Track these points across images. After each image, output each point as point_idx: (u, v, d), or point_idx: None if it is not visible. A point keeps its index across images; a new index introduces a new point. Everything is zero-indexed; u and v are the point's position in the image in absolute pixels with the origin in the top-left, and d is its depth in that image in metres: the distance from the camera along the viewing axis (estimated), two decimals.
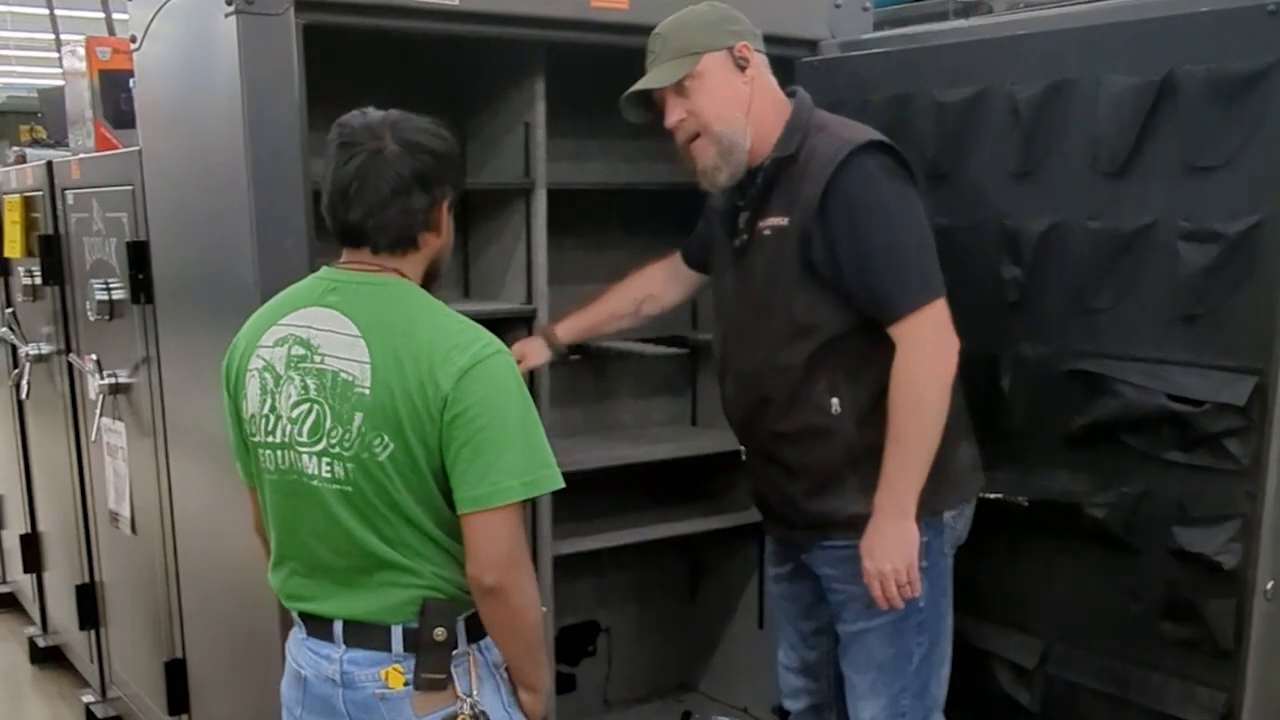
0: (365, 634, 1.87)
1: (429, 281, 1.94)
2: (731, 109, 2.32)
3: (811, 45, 2.97)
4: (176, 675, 3.21)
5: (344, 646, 1.89)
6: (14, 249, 4.07)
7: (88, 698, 3.97)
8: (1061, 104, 2.40)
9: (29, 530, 4.57)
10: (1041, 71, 2.42)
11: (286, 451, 1.87)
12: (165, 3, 2.72)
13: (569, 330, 2.79)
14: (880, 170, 2.25)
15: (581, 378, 3.58)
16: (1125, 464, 2.38)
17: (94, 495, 3.74)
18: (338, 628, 1.89)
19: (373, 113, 1.87)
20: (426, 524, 1.83)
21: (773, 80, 2.41)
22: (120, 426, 3.38)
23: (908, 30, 2.81)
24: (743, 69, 2.33)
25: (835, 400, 2.32)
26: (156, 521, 3.19)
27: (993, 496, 2.54)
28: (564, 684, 3.69)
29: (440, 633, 1.85)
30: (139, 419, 3.24)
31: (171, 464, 3.08)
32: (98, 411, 3.42)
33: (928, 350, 2.24)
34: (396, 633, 1.86)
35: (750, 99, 2.33)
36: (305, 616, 1.94)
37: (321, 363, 1.83)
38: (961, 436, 2.41)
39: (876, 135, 2.29)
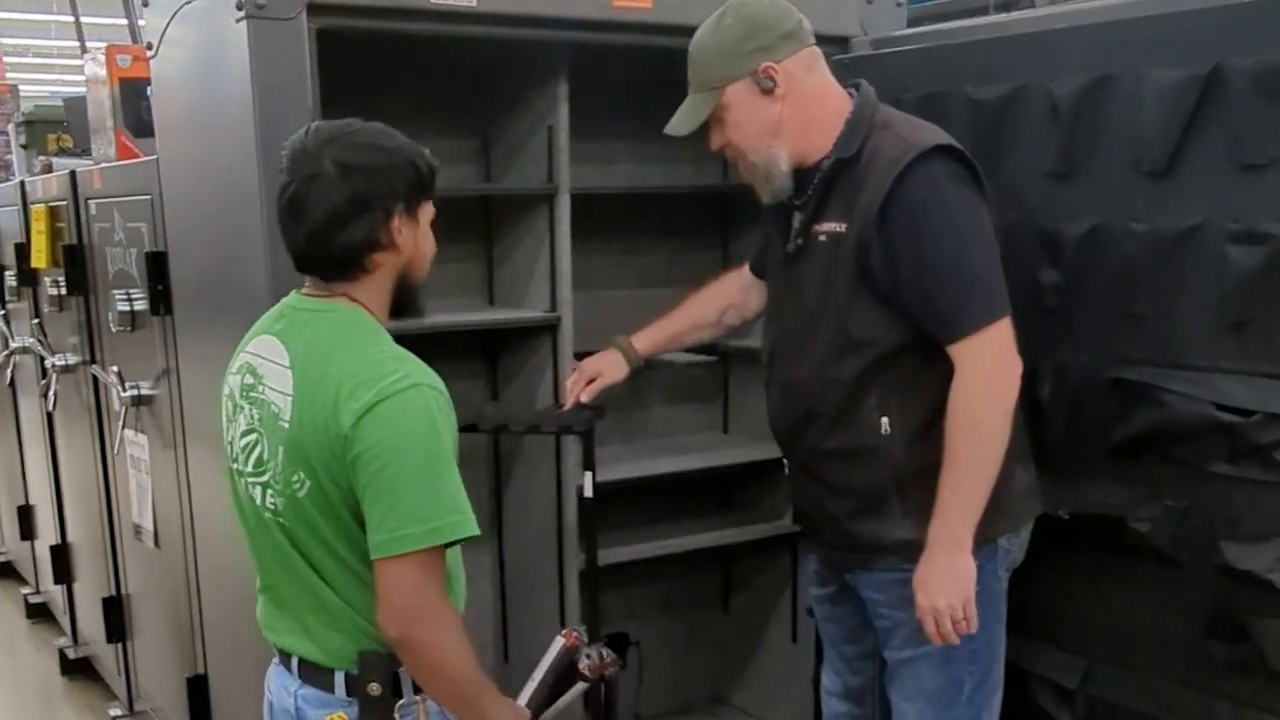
0: (315, 674, 1.83)
1: (405, 294, 1.86)
2: (760, 137, 2.25)
3: (842, 42, 2.90)
4: (198, 691, 3.18)
5: (299, 682, 1.85)
6: (41, 259, 4.06)
7: (115, 711, 3.97)
8: (1102, 100, 2.30)
9: (59, 541, 4.57)
10: (1081, 67, 2.33)
11: (244, 481, 1.84)
12: (179, 9, 2.68)
13: (648, 342, 2.67)
14: (948, 177, 2.14)
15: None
16: (1170, 476, 2.29)
17: (119, 507, 3.72)
18: (294, 663, 1.86)
19: (319, 128, 1.78)
20: (357, 567, 1.76)
21: (821, 78, 2.29)
22: (143, 439, 3.35)
23: (942, 26, 2.72)
24: (769, 91, 2.22)
25: (885, 420, 2.22)
26: (178, 535, 3.16)
27: None
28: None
29: (375, 688, 1.78)
30: (160, 431, 3.21)
31: (192, 477, 3.04)
32: (121, 423, 3.39)
33: (988, 373, 2.14)
34: (339, 679, 1.81)
35: (781, 119, 2.23)
36: (276, 646, 1.92)
37: (263, 393, 1.80)
38: (1018, 461, 2.31)
39: (945, 138, 2.18)
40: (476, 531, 1.72)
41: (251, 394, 1.81)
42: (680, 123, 2.29)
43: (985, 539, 2.23)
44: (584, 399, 2.61)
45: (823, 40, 2.76)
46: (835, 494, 2.33)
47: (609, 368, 2.63)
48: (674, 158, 3.40)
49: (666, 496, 3.48)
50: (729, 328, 2.73)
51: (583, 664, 2.44)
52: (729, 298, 2.69)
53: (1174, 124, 2.20)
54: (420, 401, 1.70)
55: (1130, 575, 2.40)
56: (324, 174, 1.72)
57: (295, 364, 1.75)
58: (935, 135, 2.18)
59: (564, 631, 2.58)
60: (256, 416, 1.79)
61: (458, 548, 1.79)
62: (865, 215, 2.15)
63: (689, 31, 2.31)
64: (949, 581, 2.15)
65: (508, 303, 3.22)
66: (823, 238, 2.25)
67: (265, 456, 1.77)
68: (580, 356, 3.12)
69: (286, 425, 1.73)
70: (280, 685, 1.89)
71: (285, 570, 1.81)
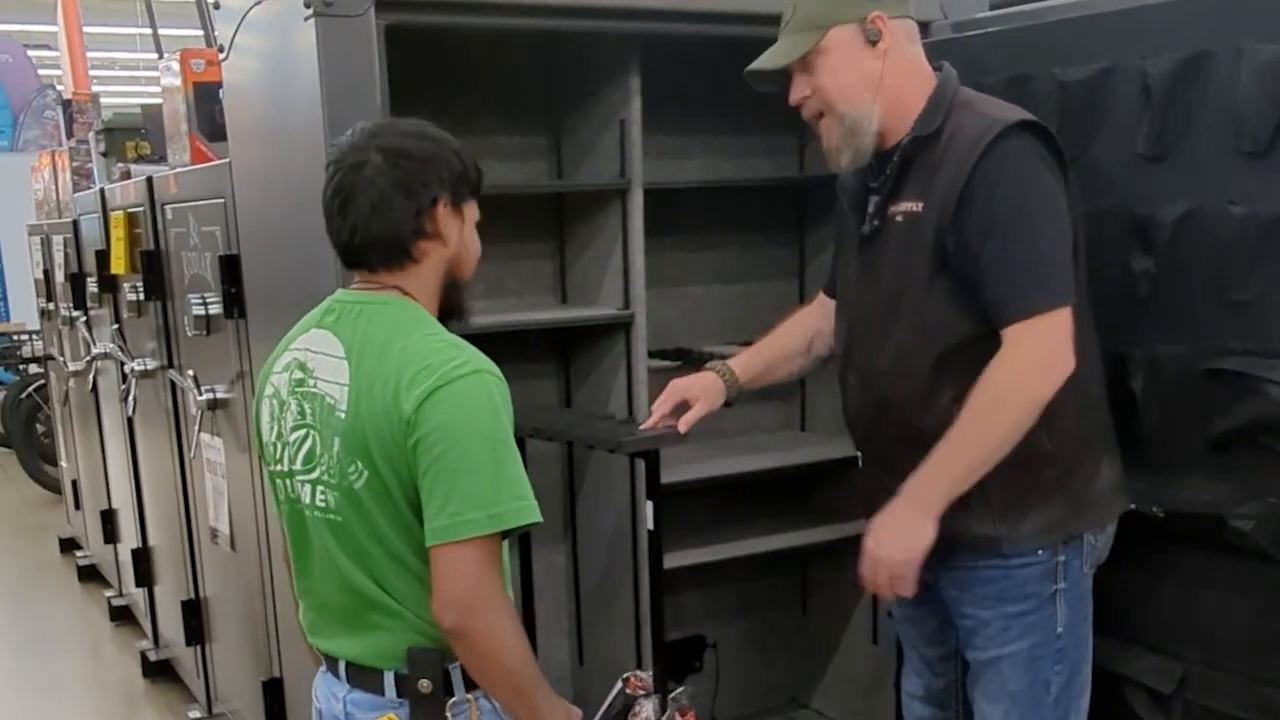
0: (364, 676, 1.80)
1: (451, 294, 1.85)
2: (857, 89, 2.14)
3: (923, 27, 2.79)
4: (274, 695, 3.18)
5: (348, 686, 1.82)
6: (120, 265, 4.11)
7: (194, 713, 4.01)
8: (1198, 79, 2.21)
9: (140, 545, 4.63)
10: (1175, 44, 2.23)
11: (290, 480, 1.81)
12: (249, 11, 2.67)
13: (747, 369, 2.50)
14: (1030, 155, 2.05)
15: None
16: (1272, 471, 2.19)
17: (197, 511, 3.74)
18: (342, 667, 1.83)
19: (362, 127, 1.80)
20: (411, 560, 1.73)
21: (917, 51, 2.21)
22: (218, 442, 3.36)
23: (1026, 7, 2.63)
24: (874, 43, 2.13)
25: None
26: (253, 538, 3.17)
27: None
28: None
29: (425, 685, 1.74)
30: (235, 434, 3.22)
31: (265, 481, 3.03)
32: (197, 427, 3.41)
33: (1028, 360, 2.04)
34: (389, 679, 1.78)
35: (881, 76, 2.14)
36: (322, 652, 1.89)
37: (314, 386, 1.77)
38: (1103, 456, 2.23)
39: (1028, 115, 2.09)
40: (539, 518, 1.69)
41: (301, 388, 1.79)
42: (770, 57, 2.19)
43: (1069, 536, 2.16)
44: (682, 429, 2.41)
45: None
46: None
47: (704, 393, 2.42)
48: (748, 151, 3.35)
49: (743, 496, 3.44)
50: (818, 358, 2.57)
51: (637, 713, 2.37)
52: (814, 325, 2.55)
53: (1274, 101, 2.09)
54: (482, 387, 1.68)
55: (1230, 576, 2.30)
56: (369, 162, 1.74)
57: (351, 354, 1.74)
58: (1019, 112, 2.10)
59: (626, 676, 2.52)
60: (308, 411, 1.77)
61: (506, 542, 1.76)
62: (946, 194, 2.07)
63: (762, 20, 2.26)
64: (902, 537, 2.08)
65: (580, 301, 3.19)
66: (899, 219, 2.16)
67: (317, 451, 1.75)
68: (654, 355, 3.08)
69: (343, 415, 1.71)
70: (328, 692, 1.87)
71: (331, 570, 1.78)
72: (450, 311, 1.86)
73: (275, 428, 1.83)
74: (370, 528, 1.72)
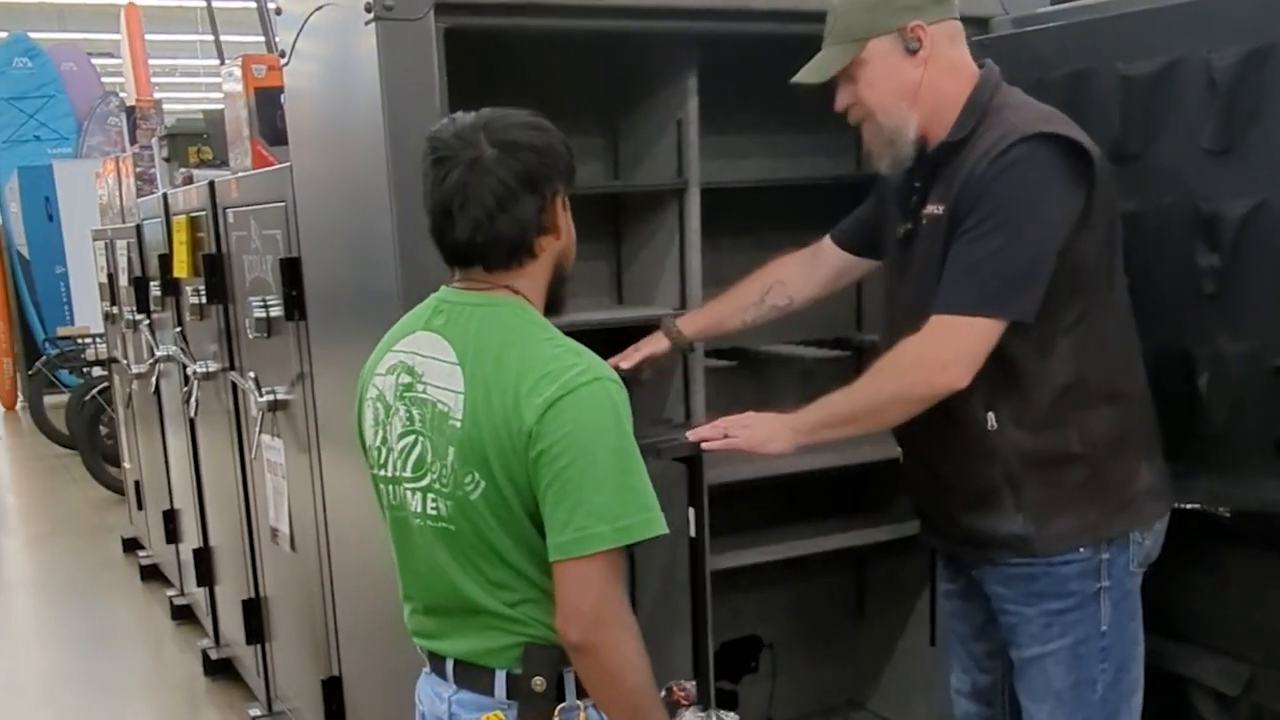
0: (472, 676, 1.77)
1: (557, 287, 1.80)
2: (895, 99, 2.16)
3: (983, 23, 2.79)
4: (333, 693, 3.21)
5: (454, 686, 1.79)
6: (182, 269, 4.17)
7: (254, 711, 4.05)
8: (1266, 71, 2.17)
9: (201, 544, 4.69)
10: (1243, 36, 2.19)
11: (396, 487, 1.77)
12: (310, 16, 2.70)
13: (692, 323, 2.64)
14: (1038, 165, 2.03)
15: (739, 383, 3.45)
16: None
17: (257, 511, 3.79)
18: (449, 666, 1.80)
19: (462, 117, 1.71)
20: (528, 569, 1.69)
21: (960, 53, 2.21)
22: (279, 443, 3.40)
23: (1087, 1, 2.60)
24: (914, 52, 2.14)
25: (992, 414, 2.14)
26: (313, 538, 3.20)
27: (1190, 507, 2.33)
28: (725, 701, 3.56)
29: (539, 682, 1.70)
30: (296, 435, 3.25)
31: (326, 481, 3.07)
32: (258, 428, 3.45)
33: (922, 358, 2.06)
34: (500, 677, 1.74)
35: (920, 84, 2.15)
36: (428, 652, 1.86)
37: (424, 392, 1.71)
38: (1143, 459, 2.21)
39: (1052, 127, 2.06)
40: (665, 530, 1.65)
41: (409, 394, 1.73)
42: (812, 72, 2.21)
43: (1101, 539, 2.16)
44: (624, 366, 2.53)
45: (962, 22, 2.68)
46: (947, 488, 2.27)
47: (648, 342, 2.62)
48: (805, 149, 3.34)
49: (799, 495, 3.41)
50: (774, 309, 2.61)
51: None
52: (778, 275, 2.60)
53: None
54: (604, 395, 1.64)
55: None
56: (486, 156, 1.66)
57: (465, 360, 1.68)
58: (1045, 122, 2.08)
59: (669, 685, 2.49)
60: (417, 416, 1.71)
61: None
62: (959, 197, 2.08)
63: (819, 18, 2.25)
64: (761, 433, 2.18)
65: (637, 301, 3.19)
66: (925, 221, 2.19)
67: (428, 458, 1.70)
68: (711, 356, 3.08)
69: (459, 424, 1.65)
70: (432, 693, 1.83)
71: (441, 577, 1.74)
72: (554, 305, 1.80)
73: (380, 432, 1.78)
74: (484, 538, 1.68)
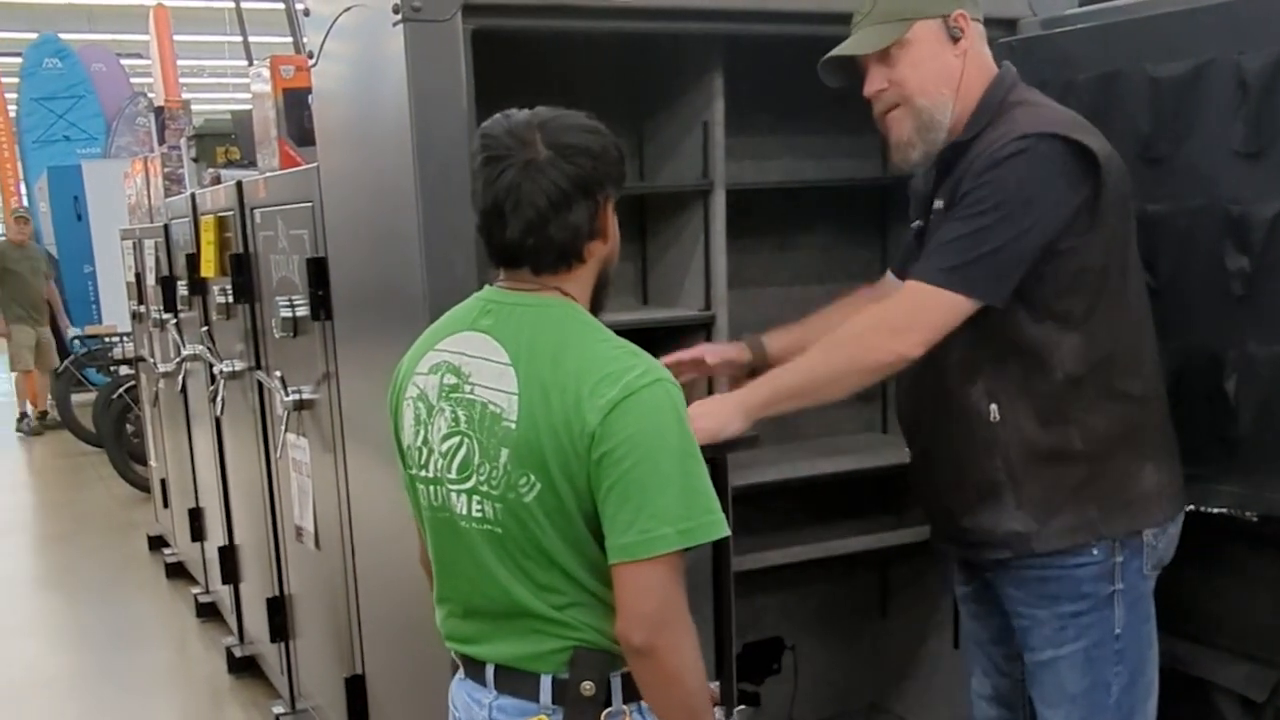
0: (515, 681, 1.74)
1: (600, 290, 1.78)
2: (938, 83, 2.16)
3: (1010, 24, 2.78)
4: (356, 692, 3.22)
5: (494, 692, 1.77)
6: (209, 268, 4.19)
7: (278, 709, 4.06)
8: None
9: (226, 543, 4.71)
10: (1274, 38, 2.18)
11: (438, 488, 1.75)
12: (338, 18, 2.72)
13: (777, 340, 2.56)
14: (1039, 160, 2.03)
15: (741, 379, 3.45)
16: None
17: (282, 510, 3.80)
18: (489, 671, 1.77)
19: (516, 115, 1.69)
20: (579, 572, 1.67)
21: (986, 54, 2.22)
22: (304, 442, 3.41)
23: (1117, 3, 2.58)
24: (956, 40, 2.15)
25: (994, 407, 2.14)
26: (337, 537, 3.21)
27: (1217, 511, 2.31)
28: (747, 703, 3.56)
29: (589, 687, 1.68)
30: (321, 435, 3.27)
31: (350, 480, 3.08)
32: (283, 427, 3.47)
33: (883, 321, 2.08)
34: (545, 682, 1.71)
35: (961, 74, 2.15)
36: (463, 657, 1.83)
37: (471, 393, 1.68)
38: (1148, 459, 2.19)
39: (1057, 129, 2.06)
40: (728, 532, 1.64)
41: (455, 394, 1.70)
42: (854, 45, 2.19)
43: (1099, 535, 2.15)
44: (709, 360, 2.50)
45: (990, 23, 2.67)
46: (950, 484, 2.26)
47: (725, 348, 2.55)
48: (831, 151, 3.33)
49: (823, 497, 3.41)
50: None
51: None
52: (860, 304, 2.55)
53: None
54: (665, 397, 1.62)
55: None
56: (541, 157, 1.63)
57: (519, 361, 1.65)
58: (1054, 123, 2.07)
59: None
60: (463, 418, 1.68)
61: None
62: (956, 190, 2.09)
63: (844, 20, 2.25)
64: (710, 417, 2.10)
65: (662, 302, 3.19)
66: (933, 217, 2.19)
67: (475, 460, 1.67)
68: None
69: (513, 425, 1.63)
70: (469, 699, 1.80)
71: (485, 580, 1.71)
72: (594, 308, 1.78)
73: (421, 432, 1.75)
74: (535, 540, 1.66)
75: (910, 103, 2.17)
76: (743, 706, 2.29)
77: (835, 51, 2.21)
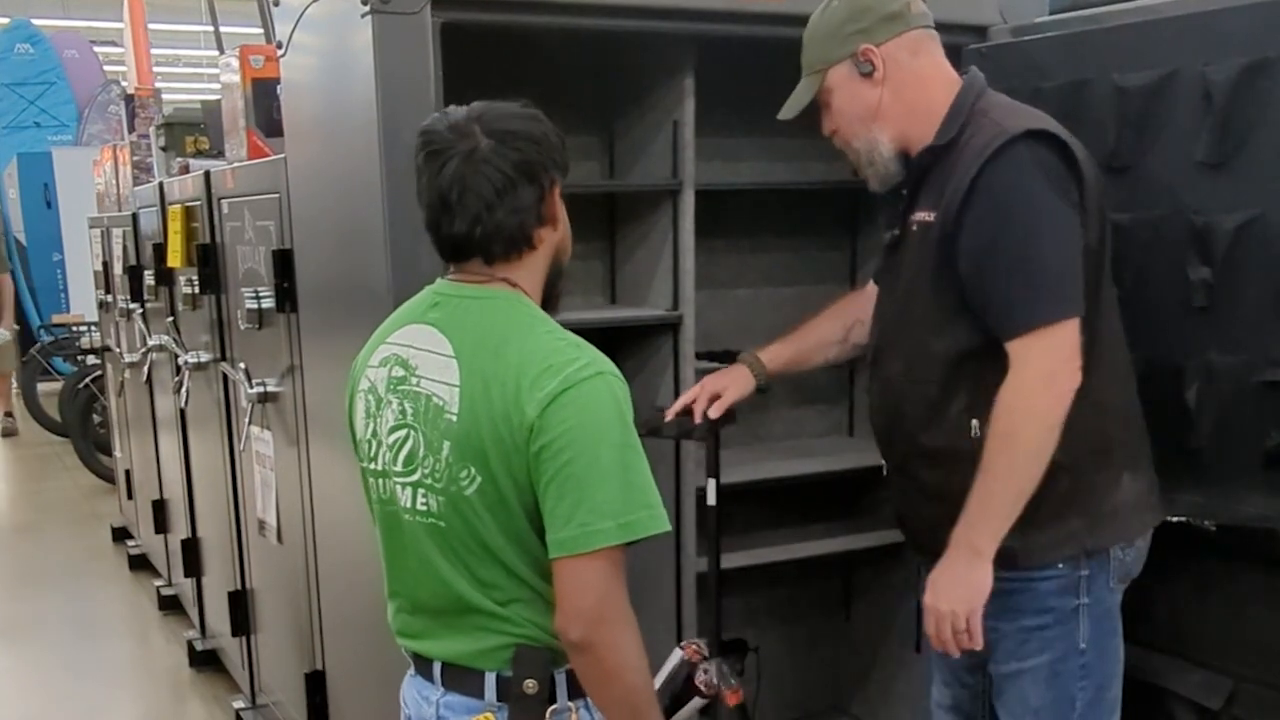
0: (461, 678, 1.73)
1: (553, 283, 1.78)
2: (858, 122, 2.20)
3: (980, 31, 2.79)
4: (316, 687, 3.20)
5: (442, 689, 1.76)
6: (176, 259, 4.16)
7: (239, 703, 4.03)
8: (1262, 85, 2.17)
9: (189, 535, 4.68)
10: (1239, 49, 2.19)
11: (386, 481, 1.74)
12: (307, 8, 2.70)
13: (776, 358, 2.55)
14: (1035, 165, 2.03)
15: None
16: None
17: (245, 503, 3.78)
18: (436, 669, 1.77)
19: (454, 110, 1.70)
20: (520, 568, 1.66)
21: (929, 61, 2.20)
22: (268, 435, 3.39)
23: (1085, 12, 2.60)
24: (868, 74, 2.17)
25: (975, 422, 2.11)
26: (300, 531, 3.19)
27: (1176, 520, 2.32)
28: (736, 649, 3.56)
29: (531, 685, 1.68)
30: (285, 428, 3.25)
31: (313, 474, 3.06)
32: (248, 420, 3.44)
33: (1031, 381, 2.01)
34: (490, 679, 1.71)
35: (879, 103, 2.17)
36: (413, 654, 1.83)
37: (417, 385, 1.68)
38: (1125, 469, 2.19)
39: (1041, 124, 2.06)
40: (668, 526, 1.63)
41: (402, 387, 1.70)
42: (788, 107, 2.26)
43: (1086, 550, 2.14)
44: (712, 415, 2.48)
45: (960, 30, 2.68)
46: (929, 498, 2.23)
47: (734, 384, 2.50)
48: (801, 154, 3.33)
49: (790, 500, 3.41)
50: (856, 346, 2.56)
51: (700, 679, 2.38)
52: (856, 313, 2.55)
53: None
54: (606, 390, 1.61)
55: None
56: (482, 146, 1.64)
57: (461, 353, 1.65)
58: (1032, 121, 2.07)
59: (683, 644, 2.53)
60: (409, 411, 1.69)
61: None
62: (950, 204, 2.07)
63: None
64: (960, 588, 2.06)
65: (629, 301, 3.19)
66: (915, 228, 2.18)
67: (420, 453, 1.67)
68: (701, 356, 3.07)
69: (454, 418, 1.63)
70: (418, 696, 1.80)
71: (429, 575, 1.71)
72: (550, 302, 1.78)
73: (370, 425, 1.76)
74: (476, 534, 1.65)
75: (848, 144, 2.23)
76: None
77: (780, 114, 2.27)
